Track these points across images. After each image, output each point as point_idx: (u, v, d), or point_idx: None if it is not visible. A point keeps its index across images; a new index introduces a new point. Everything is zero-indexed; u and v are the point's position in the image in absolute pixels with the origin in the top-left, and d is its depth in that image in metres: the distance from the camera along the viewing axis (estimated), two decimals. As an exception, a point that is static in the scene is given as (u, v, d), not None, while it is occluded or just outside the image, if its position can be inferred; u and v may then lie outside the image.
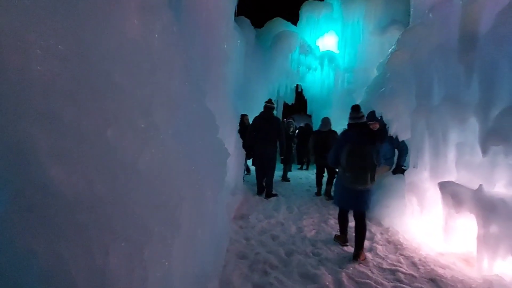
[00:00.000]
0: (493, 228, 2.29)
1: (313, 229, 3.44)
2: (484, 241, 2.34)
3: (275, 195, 4.93)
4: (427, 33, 3.17)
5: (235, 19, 8.12)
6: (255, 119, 5.07)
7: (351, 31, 9.04)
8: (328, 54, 9.18)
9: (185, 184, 1.40)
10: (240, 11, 9.20)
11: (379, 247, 2.97)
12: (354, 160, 2.62)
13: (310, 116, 10.42)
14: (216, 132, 2.57)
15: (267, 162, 4.89)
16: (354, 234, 2.77)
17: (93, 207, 0.78)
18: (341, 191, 2.84)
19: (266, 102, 5.02)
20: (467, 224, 2.58)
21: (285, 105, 10.76)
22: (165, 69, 1.68)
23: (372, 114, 4.20)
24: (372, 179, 2.63)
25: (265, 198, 4.77)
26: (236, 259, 2.55)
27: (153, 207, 0.98)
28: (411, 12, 3.95)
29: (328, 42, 9.44)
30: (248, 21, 9.06)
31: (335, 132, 5.10)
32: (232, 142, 4.68)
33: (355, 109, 2.90)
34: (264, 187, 4.97)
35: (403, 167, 4.08)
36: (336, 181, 3.02)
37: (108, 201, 0.82)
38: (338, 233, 3.13)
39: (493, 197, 2.34)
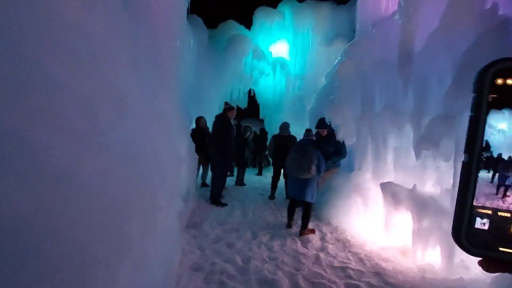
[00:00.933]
0: (425, 223, 2.59)
1: (268, 233, 3.45)
2: (418, 234, 2.64)
3: (224, 204, 4.53)
4: (371, 47, 3.49)
5: (187, 17, 7.85)
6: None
7: (301, 40, 9.54)
8: (280, 60, 9.50)
9: (136, 194, 1.24)
10: (193, 10, 8.94)
11: (329, 246, 3.12)
12: (299, 154, 3.43)
13: (262, 120, 10.62)
14: (168, 135, 2.38)
15: (215, 166, 4.66)
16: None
17: (16, 230, 0.60)
18: (289, 182, 3.67)
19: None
20: (404, 220, 2.88)
21: (238, 108, 10.77)
22: (110, 62, 1.47)
23: (321, 121, 4.44)
24: (309, 171, 3.34)
25: (210, 204, 4.49)
26: (190, 271, 2.39)
27: (97, 225, 0.81)
28: (356, 27, 4.33)
29: (280, 49, 9.77)
30: (200, 20, 8.84)
31: (294, 137, 5.25)
32: (185, 146, 4.45)
33: (308, 130, 3.88)
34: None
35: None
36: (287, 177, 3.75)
37: (37, 222, 0.65)
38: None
39: (425, 195, 2.65)
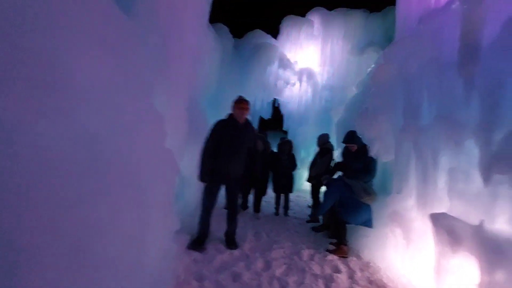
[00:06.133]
0: (499, 276, 1.87)
1: (284, 264, 2.85)
2: (488, 290, 1.92)
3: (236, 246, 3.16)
4: (417, 46, 2.89)
5: (212, 25, 7.72)
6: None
7: (331, 50, 9.03)
8: (307, 70, 9.02)
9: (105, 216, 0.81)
10: (219, 19, 8.84)
11: (360, 289, 2.46)
12: None
13: (285, 132, 10.07)
14: (161, 136, 1.97)
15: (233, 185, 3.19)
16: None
17: None
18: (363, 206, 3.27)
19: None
20: (466, 267, 2.16)
21: (261, 119, 10.37)
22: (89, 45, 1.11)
23: (351, 134, 3.81)
24: None
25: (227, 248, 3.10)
26: (179, 312, 1.89)
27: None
28: (396, 27, 3.74)
29: (307, 58, 9.31)
30: (226, 28, 8.71)
31: None
32: (198, 154, 4.06)
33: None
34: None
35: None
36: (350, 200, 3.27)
37: None
38: (332, 247, 3.36)
39: (498, 236, 1.94)
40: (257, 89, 9.06)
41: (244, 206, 4.90)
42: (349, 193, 3.28)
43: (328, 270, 2.81)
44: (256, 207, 4.65)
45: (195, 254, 2.79)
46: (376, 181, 3.80)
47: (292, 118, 9.41)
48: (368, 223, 3.25)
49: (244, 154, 3.15)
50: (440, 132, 2.52)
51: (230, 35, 8.70)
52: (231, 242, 3.16)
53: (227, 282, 2.35)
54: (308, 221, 4.67)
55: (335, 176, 3.99)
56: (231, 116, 3.18)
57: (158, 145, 1.98)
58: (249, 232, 3.72)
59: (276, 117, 10.74)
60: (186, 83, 3.28)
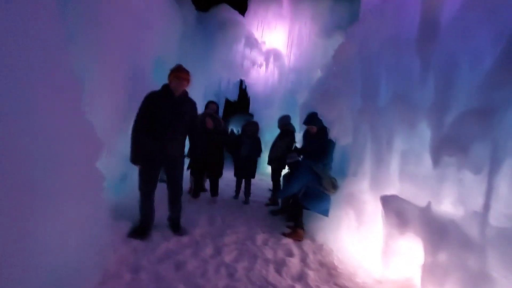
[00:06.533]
0: (442, 256, 1.89)
1: (235, 249, 2.70)
2: (430, 270, 1.93)
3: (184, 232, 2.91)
4: (379, 24, 2.77)
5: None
6: None
7: (298, 31, 8.80)
8: (274, 51, 8.75)
9: None
10: (181, -13, 8.04)
11: (310, 273, 2.39)
12: None
13: (252, 115, 9.81)
14: (78, 109, 1.60)
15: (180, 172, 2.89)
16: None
17: None
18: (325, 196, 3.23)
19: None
20: (412, 248, 2.17)
21: (227, 101, 9.97)
22: None
23: (312, 116, 3.70)
24: None
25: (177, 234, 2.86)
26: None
27: None
28: (361, 7, 3.61)
29: (275, 39, 9.00)
30: (189, -1, 8.00)
31: None
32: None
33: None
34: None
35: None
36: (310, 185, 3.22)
37: None
38: (288, 231, 3.29)
39: (443, 218, 1.95)
40: (222, 68, 8.61)
41: (199, 190, 4.48)
42: (317, 183, 3.19)
43: (281, 254, 2.72)
44: (213, 190, 4.38)
45: (136, 243, 2.51)
46: (335, 164, 3.77)
47: (258, 100, 9.18)
48: (325, 212, 3.19)
49: (183, 131, 2.78)
50: (395, 114, 2.46)
51: (193, 7, 8.03)
52: (176, 227, 2.89)
53: (168, 272, 2.12)
54: (267, 204, 4.58)
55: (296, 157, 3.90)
56: (166, 87, 2.67)
57: (71, 116, 1.61)
58: (202, 217, 3.50)
59: (243, 100, 10.40)
60: (126, 50, 2.84)
